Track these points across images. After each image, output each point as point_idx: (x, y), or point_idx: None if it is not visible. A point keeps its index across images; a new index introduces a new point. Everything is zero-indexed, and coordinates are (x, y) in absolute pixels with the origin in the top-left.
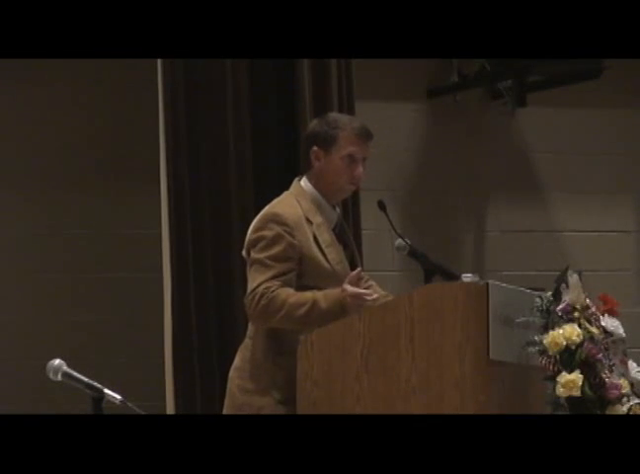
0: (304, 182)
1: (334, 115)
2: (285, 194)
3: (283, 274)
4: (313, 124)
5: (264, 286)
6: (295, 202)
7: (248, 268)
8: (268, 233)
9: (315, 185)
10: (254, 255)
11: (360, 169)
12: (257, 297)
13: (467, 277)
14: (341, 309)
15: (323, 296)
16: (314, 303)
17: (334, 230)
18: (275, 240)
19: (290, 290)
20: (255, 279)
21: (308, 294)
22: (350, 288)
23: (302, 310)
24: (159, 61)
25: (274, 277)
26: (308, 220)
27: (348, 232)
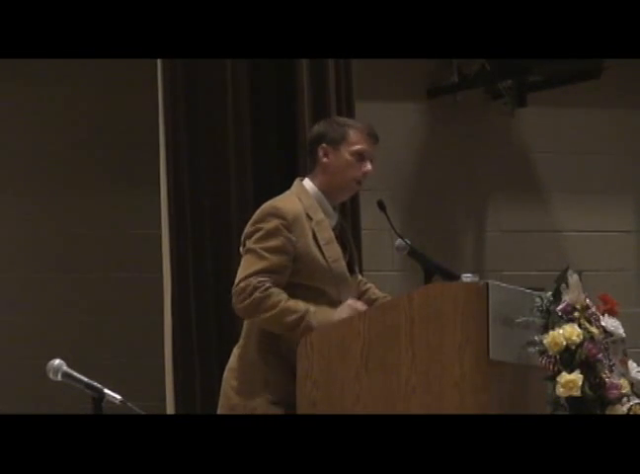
0: (306, 182)
1: (338, 117)
2: (287, 192)
3: (276, 268)
4: (319, 126)
5: (257, 280)
6: (296, 199)
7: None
8: (265, 225)
9: (319, 184)
10: (249, 245)
11: (370, 166)
12: (249, 289)
13: (467, 277)
14: None
15: (314, 313)
16: (305, 315)
17: (334, 230)
18: (272, 233)
19: (285, 294)
20: (246, 269)
21: (301, 305)
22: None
23: (292, 317)
24: (159, 61)
25: (266, 271)
26: (308, 216)
27: (348, 234)
